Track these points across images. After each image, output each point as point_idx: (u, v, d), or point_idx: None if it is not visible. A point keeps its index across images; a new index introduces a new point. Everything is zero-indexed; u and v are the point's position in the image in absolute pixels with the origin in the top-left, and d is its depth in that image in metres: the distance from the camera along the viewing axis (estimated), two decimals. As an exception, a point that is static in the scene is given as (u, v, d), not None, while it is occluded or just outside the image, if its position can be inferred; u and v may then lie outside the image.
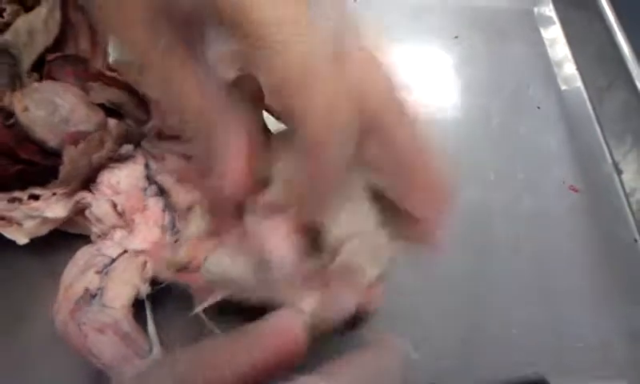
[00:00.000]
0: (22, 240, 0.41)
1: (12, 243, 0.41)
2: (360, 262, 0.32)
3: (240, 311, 0.37)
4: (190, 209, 0.40)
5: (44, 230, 0.42)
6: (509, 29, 0.67)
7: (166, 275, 0.38)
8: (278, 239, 0.32)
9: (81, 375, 0.39)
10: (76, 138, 0.41)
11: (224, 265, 0.35)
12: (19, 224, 0.41)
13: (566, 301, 0.45)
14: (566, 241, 0.49)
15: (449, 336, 0.43)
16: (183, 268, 0.37)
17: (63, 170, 0.40)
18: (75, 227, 0.43)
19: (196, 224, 0.38)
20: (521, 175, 0.54)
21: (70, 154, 0.39)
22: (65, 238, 0.43)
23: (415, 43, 0.65)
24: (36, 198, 0.41)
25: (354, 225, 0.33)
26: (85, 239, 0.42)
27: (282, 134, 0.37)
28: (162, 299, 0.39)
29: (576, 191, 0.53)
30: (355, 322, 0.32)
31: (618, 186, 0.54)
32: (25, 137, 0.41)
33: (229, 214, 0.36)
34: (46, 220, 0.41)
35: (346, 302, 0.32)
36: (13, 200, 0.41)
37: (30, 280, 0.43)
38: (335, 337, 0.33)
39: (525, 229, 0.50)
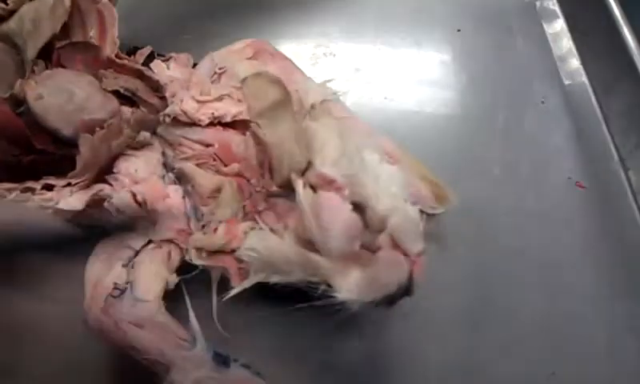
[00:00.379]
0: None
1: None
2: (406, 236, 0.34)
3: (274, 295, 0.39)
4: (215, 193, 0.41)
5: (56, 221, 0.42)
6: (512, 22, 0.69)
7: (200, 261, 0.39)
8: (340, 210, 0.34)
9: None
10: (91, 127, 0.41)
11: (267, 244, 0.36)
12: (31, 216, 0.42)
13: (572, 298, 0.46)
14: (573, 238, 0.50)
15: (455, 335, 0.44)
16: (218, 251, 0.38)
17: (82, 159, 0.40)
18: (87, 218, 0.43)
19: (229, 205, 0.39)
20: (526, 171, 0.55)
21: (89, 142, 0.40)
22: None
23: (418, 36, 0.67)
24: (50, 188, 0.42)
25: (394, 200, 0.35)
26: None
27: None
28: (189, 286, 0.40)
29: (582, 188, 0.54)
30: (402, 293, 0.34)
31: (624, 183, 0.55)
32: (37, 125, 0.42)
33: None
34: (58, 211, 0.42)
35: (395, 275, 0.33)
36: (26, 190, 0.41)
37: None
38: (383, 308, 0.35)
39: (530, 224, 0.51)
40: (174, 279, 0.39)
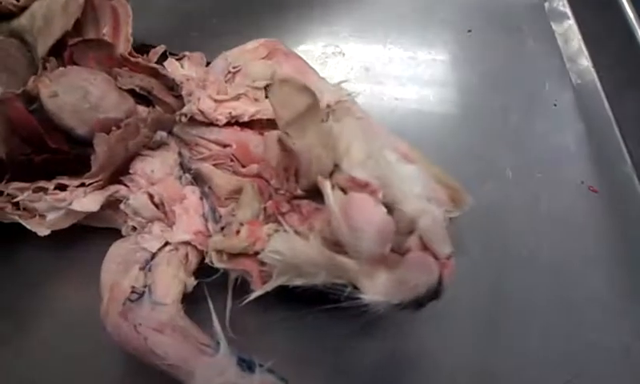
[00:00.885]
0: (43, 232, 0.41)
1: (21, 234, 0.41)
2: (435, 238, 0.34)
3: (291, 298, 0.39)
4: (233, 194, 0.41)
5: (67, 223, 0.42)
6: (522, 23, 0.69)
7: (221, 263, 0.38)
8: (374, 213, 0.33)
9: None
10: (106, 126, 0.41)
11: (292, 246, 0.36)
12: (42, 216, 0.41)
13: (586, 302, 0.46)
14: (586, 242, 0.50)
15: (467, 341, 0.44)
16: (240, 254, 0.38)
17: (97, 159, 0.40)
18: (99, 220, 0.43)
19: (250, 207, 0.39)
20: (538, 174, 0.55)
21: (105, 142, 0.40)
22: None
23: (427, 36, 0.68)
24: (62, 188, 0.41)
25: (420, 201, 0.35)
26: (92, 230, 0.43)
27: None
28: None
29: (595, 191, 0.54)
30: (431, 296, 0.34)
31: (637, 186, 0.55)
32: (50, 124, 0.41)
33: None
34: (70, 212, 0.42)
35: (425, 277, 0.33)
36: (38, 190, 0.41)
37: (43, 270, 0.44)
38: (410, 310, 0.35)
39: (543, 228, 0.51)
40: (192, 282, 0.39)
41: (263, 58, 0.50)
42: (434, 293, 0.34)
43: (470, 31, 0.67)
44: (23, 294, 0.43)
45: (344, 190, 0.35)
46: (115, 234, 0.42)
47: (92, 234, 0.44)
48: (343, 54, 0.63)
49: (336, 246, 0.35)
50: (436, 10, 0.70)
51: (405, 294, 0.34)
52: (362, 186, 0.35)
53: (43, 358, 0.40)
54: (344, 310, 0.35)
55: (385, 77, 0.62)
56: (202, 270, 0.40)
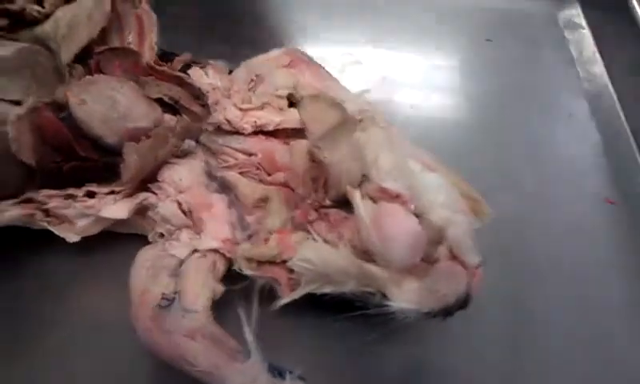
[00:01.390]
0: (72, 238, 0.43)
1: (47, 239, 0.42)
2: (464, 247, 0.35)
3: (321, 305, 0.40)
4: (260, 202, 0.42)
5: (96, 229, 0.43)
6: (537, 33, 0.71)
7: (250, 271, 0.39)
8: (406, 223, 0.35)
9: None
10: (135, 135, 0.42)
11: (322, 255, 0.37)
12: (71, 223, 0.42)
13: (606, 314, 0.47)
14: (605, 253, 0.51)
15: (490, 352, 0.44)
16: (269, 261, 0.39)
17: (128, 168, 0.41)
18: (126, 227, 0.44)
19: (278, 215, 0.40)
20: (556, 185, 0.56)
21: (135, 151, 0.41)
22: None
23: (443, 45, 0.69)
24: (91, 195, 0.42)
25: (447, 211, 0.37)
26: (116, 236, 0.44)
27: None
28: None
29: (612, 203, 0.55)
30: (460, 305, 0.35)
31: None
32: (78, 132, 0.42)
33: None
34: (99, 219, 0.43)
35: (454, 287, 0.35)
36: (68, 197, 0.42)
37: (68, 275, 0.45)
38: (440, 319, 0.36)
39: (562, 240, 0.52)
40: (220, 289, 0.40)
41: (284, 67, 0.50)
42: (463, 302, 0.35)
43: (489, 40, 0.68)
44: (49, 299, 0.44)
45: (374, 200, 0.36)
46: (138, 239, 0.43)
47: (116, 240, 0.45)
48: (360, 63, 0.64)
49: (365, 254, 0.36)
50: (452, 19, 0.71)
51: (434, 302, 0.35)
52: (393, 197, 0.36)
53: (71, 362, 0.41)
54: (370, 318, 0.37)
55: (401, 85, 0.63)
56: (229, 278, 0.41)
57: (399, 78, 0.64)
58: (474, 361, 0.43)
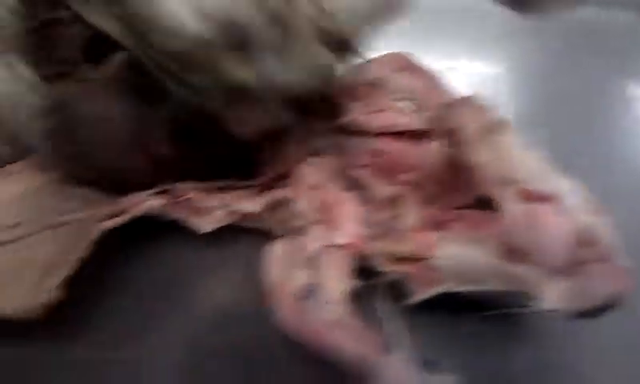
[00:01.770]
0: (206, 228, 0.44)
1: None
2: (614, 250, 0.36)
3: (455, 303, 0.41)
4: (391, 201, 0.43)
5: (226, 221, 0.45)
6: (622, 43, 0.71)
7: (387, 267, 0.41)
8: (561, 225, 0.35)
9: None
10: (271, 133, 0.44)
11: (463, 253, 0.38)
12: (206, 214, 0.44)
13: None
14: None
15: (624, 359, 0.44)
16: (405, 258, 0.40)
17: (268, 165, 0.43)
18: (254, 221, 0.46)
19: (412, 214, 0.41)
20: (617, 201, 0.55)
21: (274, 149, 0.42)
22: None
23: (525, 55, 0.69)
24: (227, 188, 0.44)
25: (591, 212, 0.37)
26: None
27: None
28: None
29: None
30: (610, 305, 0.36)
31: None
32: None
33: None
34: (232, 212, 0.44)
35: (605, 287, 0.35)
36: (203, 189, 0.44)
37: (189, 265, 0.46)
38: (586, 319, 0.36)
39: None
40: (354, 284, 0.40)
41: (397, 71, 0.52)
42: (613, 303, 0.36)
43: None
44: (169, 289, 0.45)
45: (522, 201, 0.37)
46: (259, 234, 0.45)
47: (238, 233, 0.46)
48: (457, 70, 0.65)
49: (511, 254, 0.37)
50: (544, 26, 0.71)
51: (583, 302, 0.35)
52: (544, 198, 0.36)
53: (187, 353, 0.42)
54: (505, 317, 0.37)
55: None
56: (359, 274, 0.41)
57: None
58: (604, 366, 0.43)
